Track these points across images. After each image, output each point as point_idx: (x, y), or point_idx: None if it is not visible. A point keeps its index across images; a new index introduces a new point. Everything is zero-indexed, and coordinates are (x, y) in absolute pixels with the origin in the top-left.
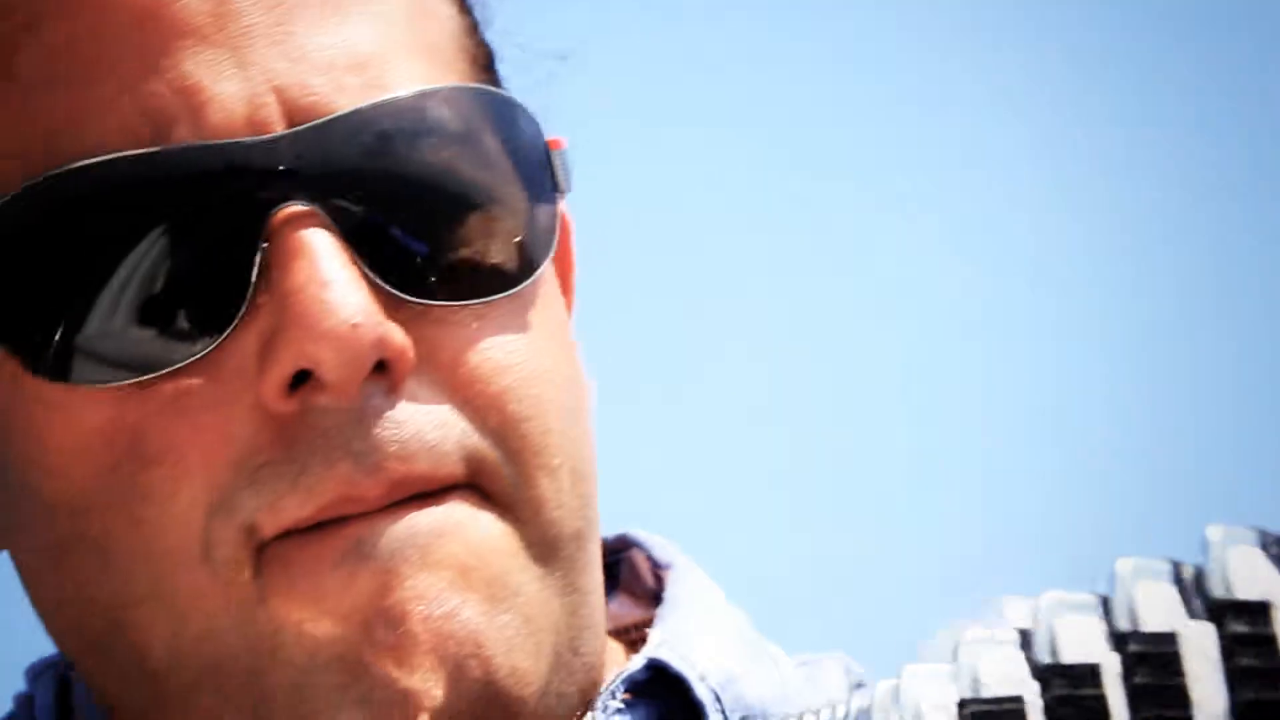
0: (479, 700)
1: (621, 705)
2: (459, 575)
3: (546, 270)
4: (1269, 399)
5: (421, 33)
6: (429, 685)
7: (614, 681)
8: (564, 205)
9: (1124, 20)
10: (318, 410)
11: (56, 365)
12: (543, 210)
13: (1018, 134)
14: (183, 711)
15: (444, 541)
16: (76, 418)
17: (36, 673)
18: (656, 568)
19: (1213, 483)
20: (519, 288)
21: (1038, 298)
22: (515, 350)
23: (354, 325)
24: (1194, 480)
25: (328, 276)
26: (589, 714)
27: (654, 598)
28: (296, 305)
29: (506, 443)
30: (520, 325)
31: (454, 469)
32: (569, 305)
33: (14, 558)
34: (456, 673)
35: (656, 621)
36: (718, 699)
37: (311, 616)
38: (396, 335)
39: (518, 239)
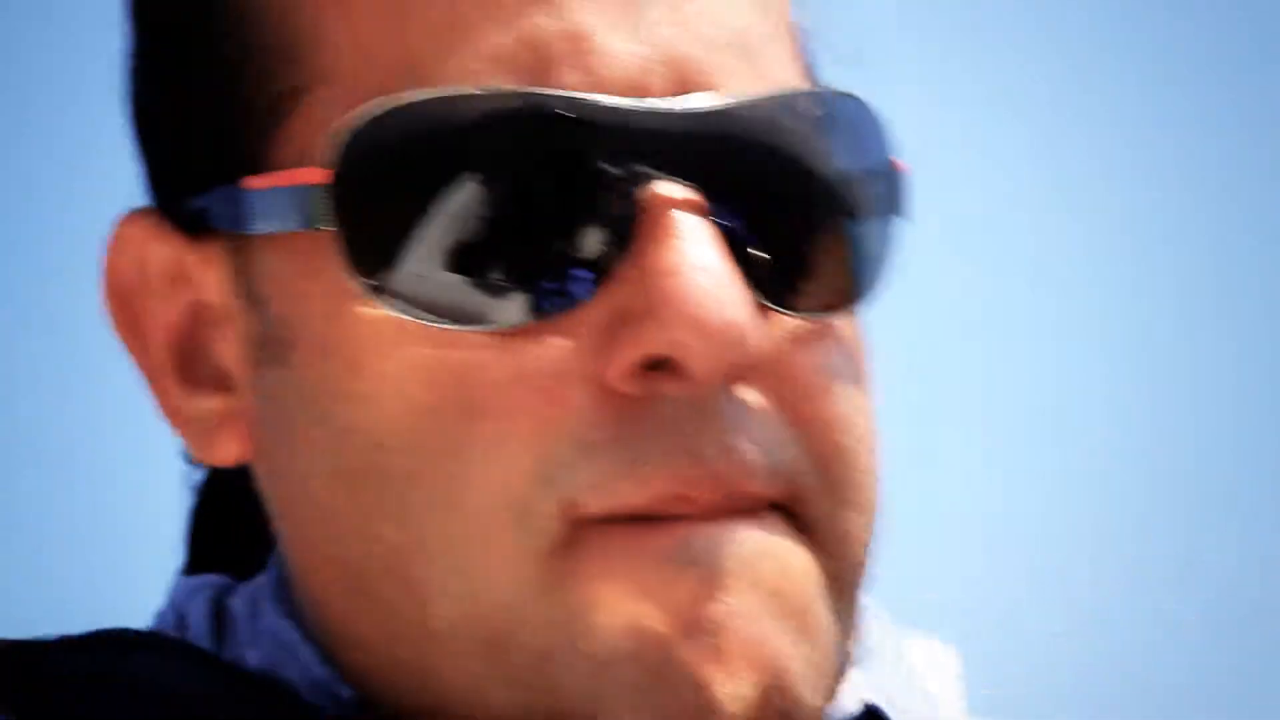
0: None
1: None
2: (774, 600)
3: None
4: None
5: (782, 20)
6: (736, 704)
7: None
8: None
9: (1123, 20)
10: (664, 399)
11: (395, 294)
12: (886, 232)
13: (1018, 134)
14: (450, 673)
15: (764, 562)
16: (404, 351)
17: (192, 589)
18: None
19: None
20: (857, 307)
21: (1037, 298)
22: (847, 376)
23: (731, 323)
24: None
25: (706, 264)
26: None
27: None
28: (671, 289)
29: (828, 473)
30: (851, 348)
31: (778, 489)
32: None
33: (265, 468)
34: (762, 697)
35: (854, 662)
36: None
37: (625, 608)
38: (764, 341)
39: (864, 258)
